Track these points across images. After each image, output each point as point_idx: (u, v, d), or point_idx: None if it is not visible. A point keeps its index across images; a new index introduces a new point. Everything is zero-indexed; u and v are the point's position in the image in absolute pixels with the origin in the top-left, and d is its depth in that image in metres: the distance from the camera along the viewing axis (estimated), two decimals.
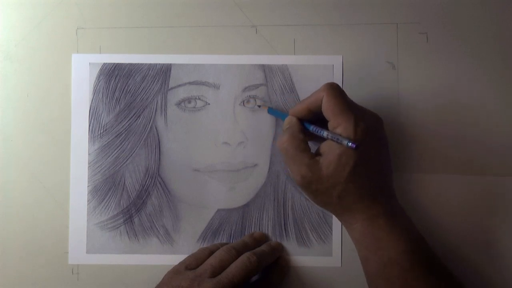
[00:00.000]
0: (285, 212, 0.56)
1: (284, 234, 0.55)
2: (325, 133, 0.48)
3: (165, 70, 0.56)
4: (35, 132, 0.56)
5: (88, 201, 0.55)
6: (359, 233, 0.48)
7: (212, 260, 0.50)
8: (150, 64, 0.56)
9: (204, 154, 0.55)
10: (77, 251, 0.55)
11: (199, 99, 0.56)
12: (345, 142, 0.46)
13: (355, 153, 0.46)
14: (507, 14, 0.56)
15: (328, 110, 0.48)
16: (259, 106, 0.55)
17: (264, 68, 0.56)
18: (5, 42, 0.56)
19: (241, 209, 0.56)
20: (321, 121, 0.50)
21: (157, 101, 0.56)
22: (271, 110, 0.55)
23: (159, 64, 0.56)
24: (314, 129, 0.50)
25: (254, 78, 0.56)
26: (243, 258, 0.50)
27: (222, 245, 0.53)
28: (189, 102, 0.56)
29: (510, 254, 0.54)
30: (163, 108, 0.56)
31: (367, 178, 0.47)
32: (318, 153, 0.49)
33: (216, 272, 0.49)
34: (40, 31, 0.56)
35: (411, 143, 0.55)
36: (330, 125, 0.48)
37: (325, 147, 0.48)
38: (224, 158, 0.55)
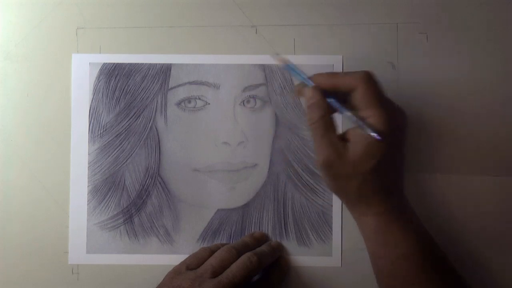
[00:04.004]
0: (285, 212, 0.56)
1: (284, 234, 0.55)
2: (348, 114, 0.47)
3: (165, 70, 0.56)
4: (35, 132, 0.56)
5: (88, 201, 0.55)
6: (371, 227, 0.48)
7: (213, 260, 0.50)
8: (150, 64, 0.56)
9: (204, 154, 0.55)
10: (77, 251, 0.55)
11: (199, 99, 0.56)
12: (369, 130, 0.45)
13: (384, 146, 0.46)
14: (507, 14, 0.56)
15: (364, 100, 0.46)
16: (277, 55, 0.51)
17: (264, 68, 0.56)
18: (5, 42, 0.56)
19: (241, 209, 0.56)
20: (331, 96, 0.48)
21: (157, 101, 0.56)
22: (289, 67, 0.51)
23: (159, 64, 0.56)
24: (336, 104, 0.48)
25: (254, 78, 0.56)
26: (244, 258, 0.50)
27: (223, 245, 0.53)
28: (189, 102, 0.56)
29: None
30: (163, 108, 0.56)
31: (388, 172, 0.47)
32: (344, 137, 0.48)
33: (216, 272, 0.49)
34: (40, 31, 0.56)
35: (411, 143, 0.55)
36: (361, 113, 0.47)
37: (353, 133, 0.47)
38: (224, 158, 0.55)
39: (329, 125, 0.47)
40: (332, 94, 0.48)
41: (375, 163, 0.46)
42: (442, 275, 0.47)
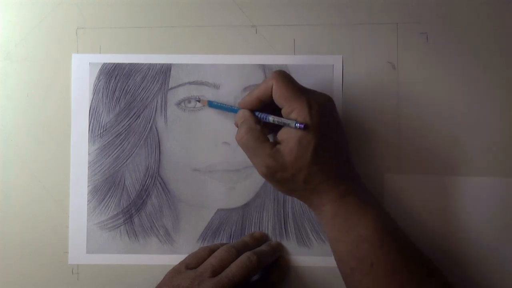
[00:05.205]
0: (285, 212, 0.55)
1: (284, 234, 0.55)
2: (270, 118, 0.49)
3: (165, 70, 0.56)
4: (35, 132, 0.56)
5: (88, 201, 0.55)
6: (329, 214, 0.48)
7: (212, 260, 0.50)
8: (150, 64, 0.56)
9: (204, 154, 0.55)
10: (77, 251, 0.55)
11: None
12: (292, 124, 0.46)
13: (314, 135, 0.46)
14: (507, 14, 0.56)
15: (280, 97, 0.48)
16: (198, 101, 0.55)
17: (264, 68, 0.56)
18: (5, 42, 0.56)
19: (241, 209, 0.56)
20: (272, 111, 0.50)
21: (157, 101, 0.56)
22: (211, 104, 0.54)
23: (159, 64, 0.56)
24: (260, 115, 0.50)
25: (254, 78, 0.56)
26: (243, 257, 0.50)
27: (223, 245, 0.53)
28: (189, 102, 0.56)
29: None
30: (163, 108, 0.56)
31: (329, 158, 0.48)
32: (277, 142, 0.48)
33: (216, 271, 0.49)
34: (40, 31, 0.56)
35: (411, 143, 0.55)
36: (284, 111, 0.48)
37: (282, 134, 0.48)
38: (224, 158, 0.55)
39: (258, 137, 0.48)
40: (269, 108, 0.50)
41: (311, 154, 0.46)
42: (402, 253, 0.47)
